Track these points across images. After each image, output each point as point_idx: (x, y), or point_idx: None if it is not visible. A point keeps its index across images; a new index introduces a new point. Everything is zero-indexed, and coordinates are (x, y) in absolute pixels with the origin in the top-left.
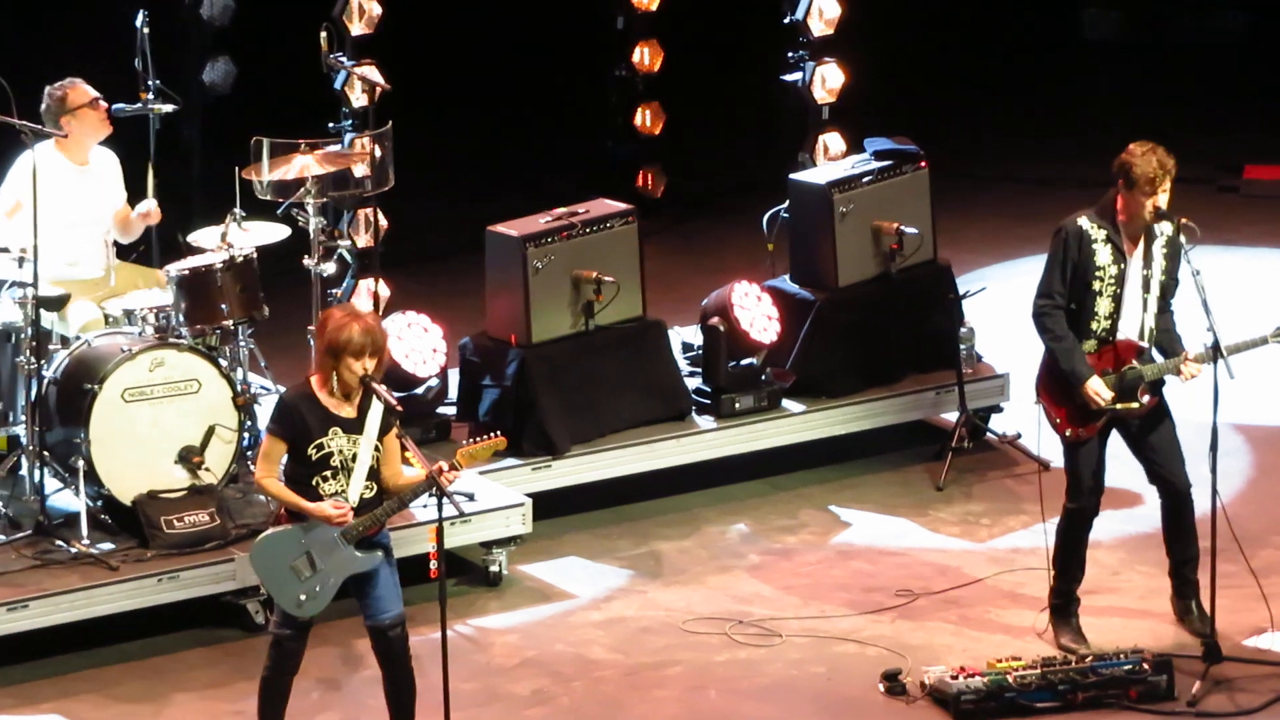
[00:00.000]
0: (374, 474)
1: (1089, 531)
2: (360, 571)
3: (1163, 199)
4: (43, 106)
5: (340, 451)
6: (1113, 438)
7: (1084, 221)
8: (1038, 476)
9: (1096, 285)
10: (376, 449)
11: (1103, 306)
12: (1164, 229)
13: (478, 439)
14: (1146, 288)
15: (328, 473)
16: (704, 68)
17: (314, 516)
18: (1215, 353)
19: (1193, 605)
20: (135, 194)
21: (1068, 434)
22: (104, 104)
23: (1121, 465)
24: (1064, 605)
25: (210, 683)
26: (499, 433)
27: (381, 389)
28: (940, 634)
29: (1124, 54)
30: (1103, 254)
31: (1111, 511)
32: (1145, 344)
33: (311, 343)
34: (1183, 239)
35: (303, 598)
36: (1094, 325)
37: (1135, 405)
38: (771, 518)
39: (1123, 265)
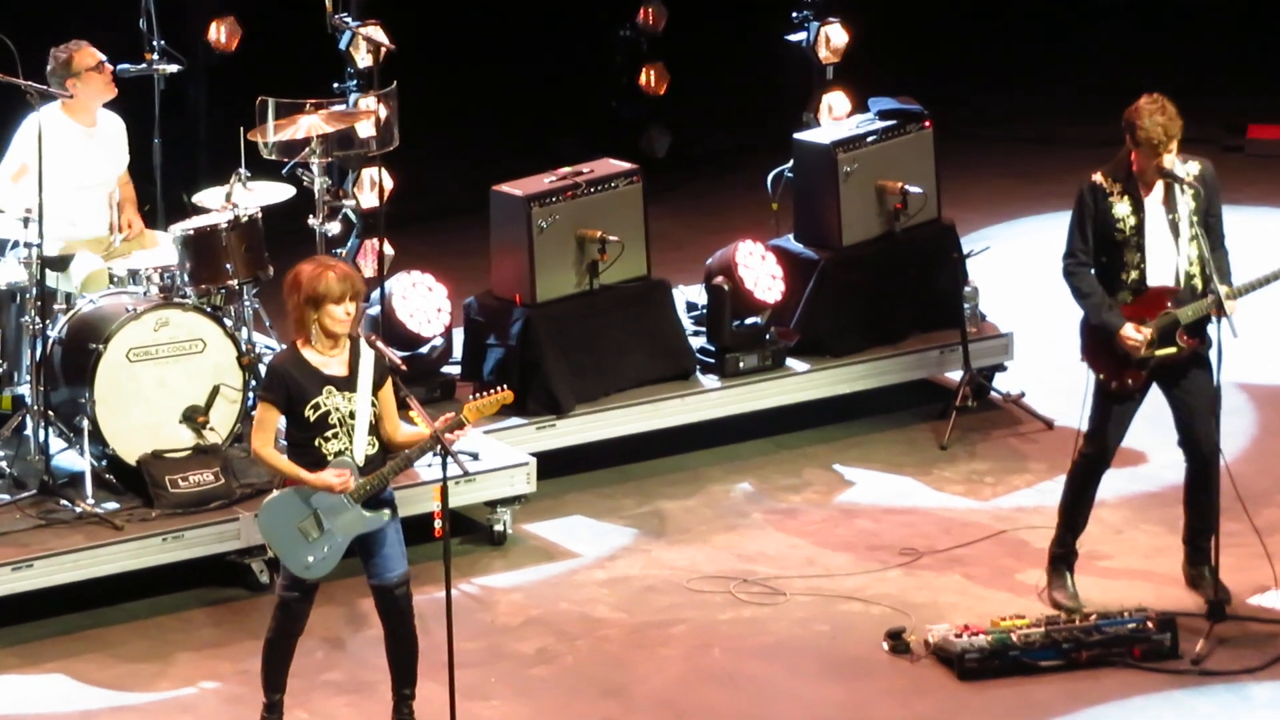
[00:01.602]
0: (373, 430)
1: (1098, 483)
2: (368, 531)
3: (1168, 159)
4: (48, 68)
5: (337, 409)
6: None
7: (1098, 177)
8: (1044, 436)
9: (1119, 237)
10: (373, 404)
11: (1130, 258)
12: (1189, 169)
13: (485, 393)
14: (1175, 231)
15: (328, 432)
16: (708, 27)
17: (316, 487)
18: (1219, 311)
19: (1205, 571)
20: (139, 159)
21: (1114, 386)
22: (109, 67)
23: (1141, 426)
24: (1063, 556)
25: (214, 642)
26: (505, 386)
27: (383, 347)
28: (944, 592)
29: (1128, 14)
30: (1120, 207)
31: (1116, 470)
32: (1180, 287)
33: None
34: (1189, 191)
35: (310, 559)
36: (1124, 276)
37: (1174, 350)
38: (776, 477)
39: (1141, 215)
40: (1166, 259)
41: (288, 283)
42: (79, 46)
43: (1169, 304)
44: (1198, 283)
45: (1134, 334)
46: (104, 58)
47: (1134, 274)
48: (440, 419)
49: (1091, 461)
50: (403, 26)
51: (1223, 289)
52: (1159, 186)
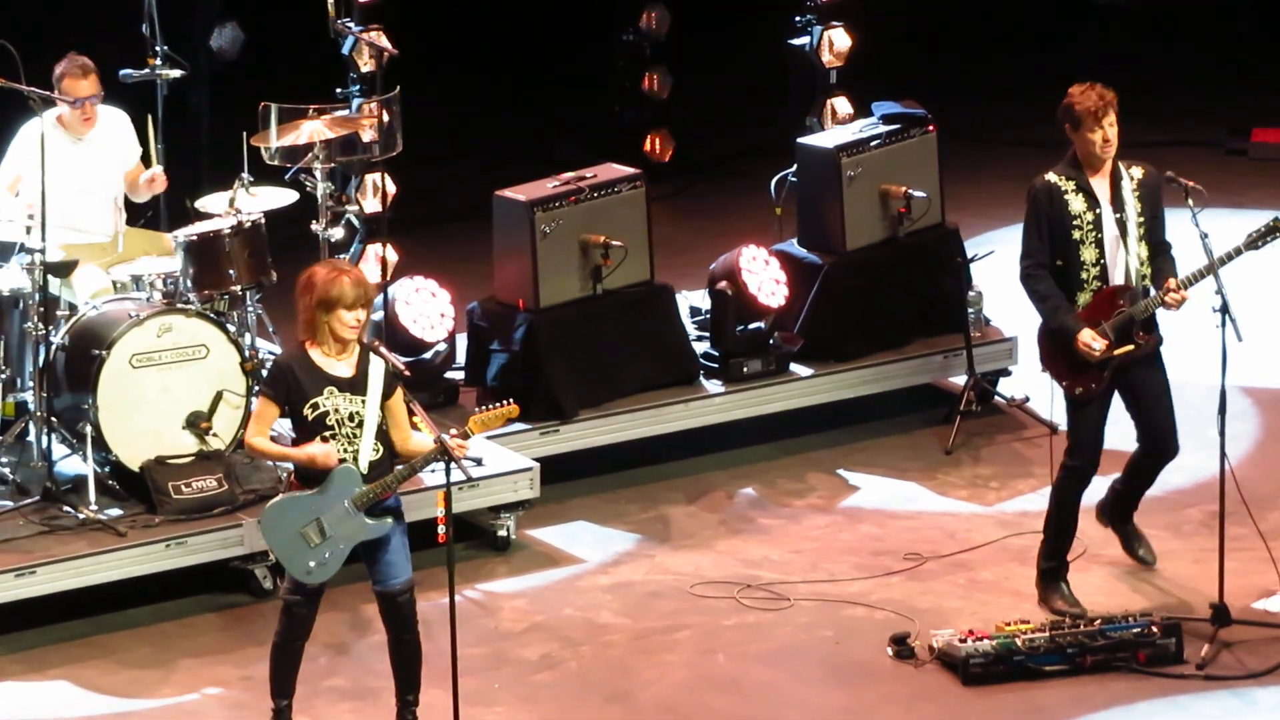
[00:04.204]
0: (382, 436)
1: (1084, 493)
2: (371, 538)
3: (1111, 131)
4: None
5: (336, 410)
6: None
7: (1051, 176)
8: (1048, 440)
9: (1077, 235)
10: (381, 411)
11: (1088, 254)
12: (1133, 173)
13: (490, 406)
14: (1123, 230)
15: (326, 433)
16: (711, 31)
17: (300, 462)
18: (1224, 315)
19: (1129, 530)
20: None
21: (1078, 391)
22: (93, 107)
23: (1126, 428)
24: (1056, 568)
25: (218, 648)
26: (511, 400)
27: (388, 353)
28: (949, 597)
29: (1132, 17)
30: (1075, 203)
31: (1116, 474)
32: (1132, 285)
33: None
34: (1190, 200)
35: (312, 565)
36: (1084, 275)
37: (1132, 347)
38: (780, 482)
39: (1098, 210)
40: (1117, 258)
41: (301, 283)
42: (71, 73)
43: (1122, 303)
44: (1148, 281)
45: (1092, 341)
46: (91, 95)
47: (1094, 270)
48: (449, 433)
49: (1077, 473)
50: (405, 31)
51: (1170, 281)
52: (1105, 187)
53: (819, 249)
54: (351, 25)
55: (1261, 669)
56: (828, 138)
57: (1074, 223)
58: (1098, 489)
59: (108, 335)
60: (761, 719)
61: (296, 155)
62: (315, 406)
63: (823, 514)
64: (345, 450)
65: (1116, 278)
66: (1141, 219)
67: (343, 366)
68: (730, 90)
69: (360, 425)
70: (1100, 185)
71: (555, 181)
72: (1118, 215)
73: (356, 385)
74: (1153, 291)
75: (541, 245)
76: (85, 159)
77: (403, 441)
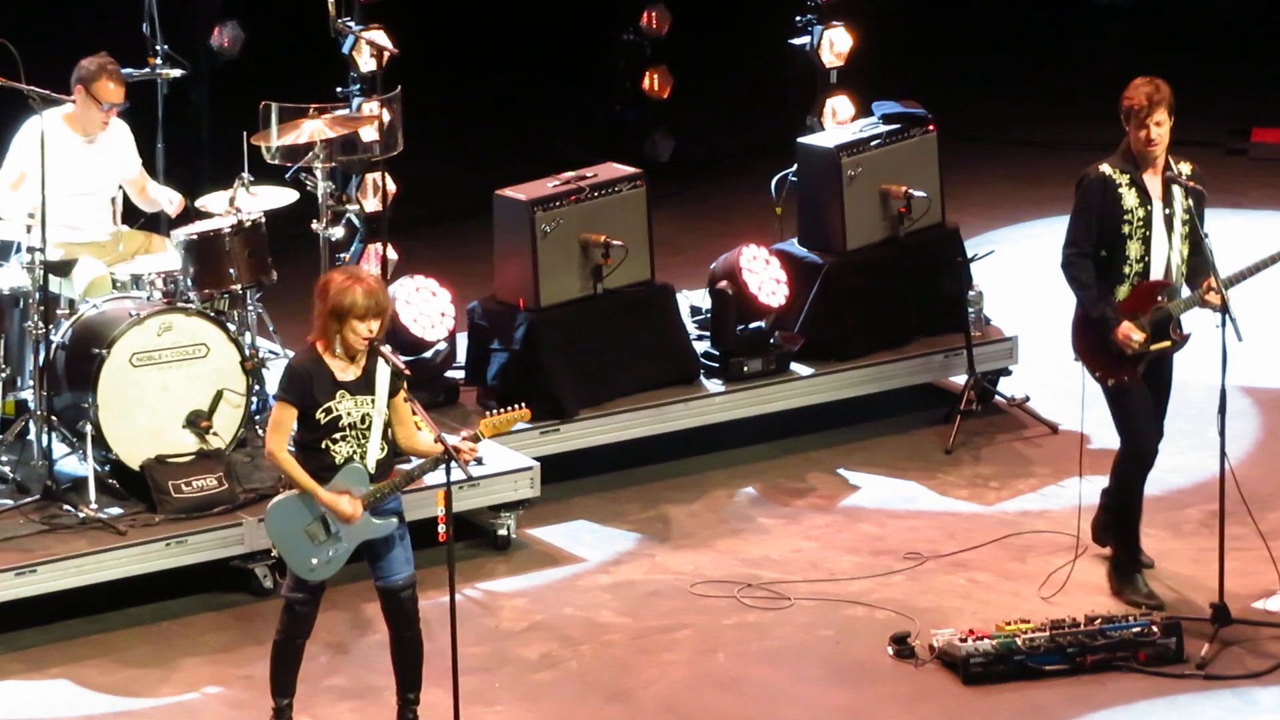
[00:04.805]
0: (386, 435)
1: (1145, 481)
2: (375, 537)
3: (1156, 130)
4: (79, 65)
5: (348, 414)
6: None
7: (1105, 168)
8: (1078, 442)
9: (1126, 229)
10: (386, 409)
11: (1134, 249)
12: (1182, 169)
13: (501, 409)
14: (1169, 225)
15: (337, 435)
16: (712, 31)
17: (325, 506)
18: (1224, 315)
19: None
20: (145, 161)
21: (1111, 383)
22: (115, 112)
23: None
24: (1128, 561)
25: (218, 647)
26: (523, 404)
27: (389, 352)
28: (949, 597)
29: (1132, 17)
30: (1129, 197)
31: (1104, 485)
32: (1171, 281)
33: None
34: (1189, 201)
35: (315, 562)
36: (1126, 269)
37: (1168, 344)
38: (780, 481)
39: (1149, 206)
40: (1160, 252)
41: (318, 287)
42: (108, 73)
43: (1160, 298)
44: (1184, 280)
45: (1132, 333)
46: (118, 102)
47: (1136, 266)
48: (459, 435)
49: (1134, 460)
50: (405, 31)
51: (1210, 280)
52: (1157, 183)
53: (819, 249)
54: (352, 24)
55: (1261, 669)
56: (828, 137)
57: (1125, 217)
58: (1096, 487)
59: (108, 334)
60: (762, 718)
61: (297, 154)
62: (328, 411)
63: (823, 514)
64: (354, 450)
65: (1157, 273)
66: (1186, 215)
67: (352, 369)
68: (730, 90)
69: (369, 426)
70: (1152, 180)
71: (555, 181)
72: (1166, 210)
73: (364, 386)
74: (1187, 290)
75: (542, 245)
76: (91, 162)
77: (408, 439)
